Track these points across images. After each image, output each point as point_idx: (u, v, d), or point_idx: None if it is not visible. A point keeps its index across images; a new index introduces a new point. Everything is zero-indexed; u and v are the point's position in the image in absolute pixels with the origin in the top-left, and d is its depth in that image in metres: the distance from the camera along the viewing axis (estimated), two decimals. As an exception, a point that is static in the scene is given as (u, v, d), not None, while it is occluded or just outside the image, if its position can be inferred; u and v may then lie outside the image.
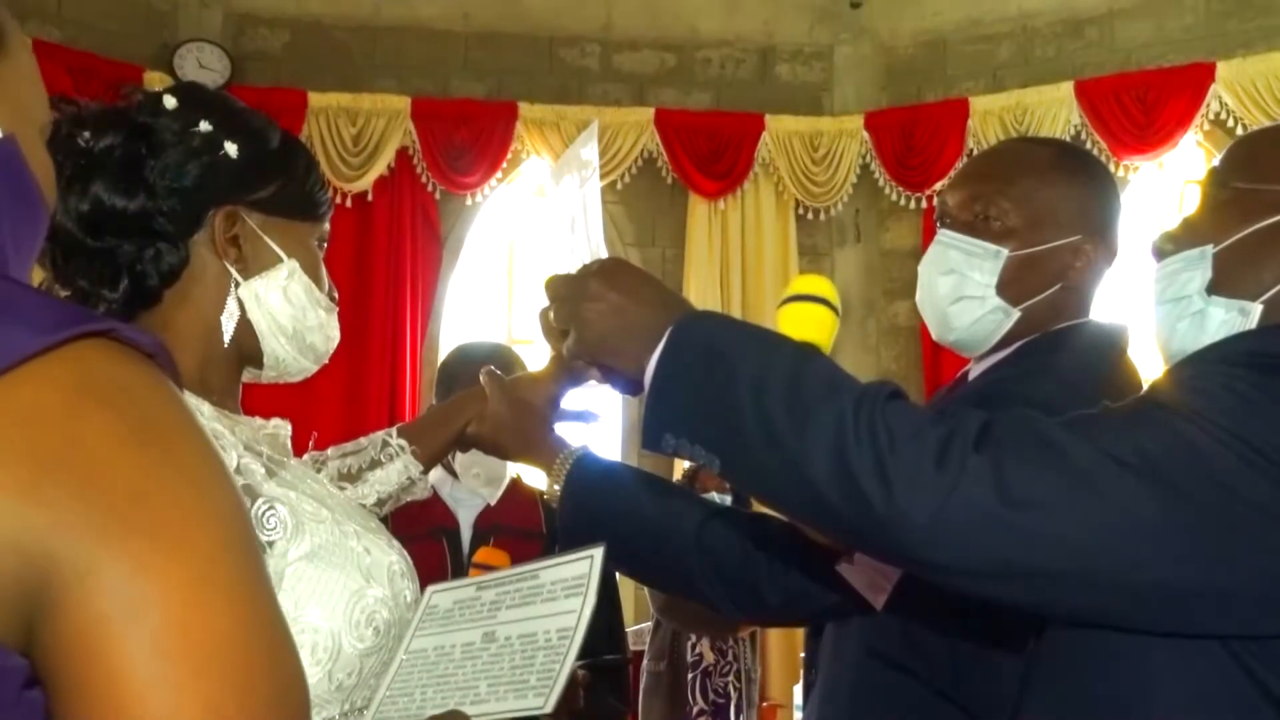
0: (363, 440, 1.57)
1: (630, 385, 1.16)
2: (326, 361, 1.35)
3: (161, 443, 0.60)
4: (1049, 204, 1.48)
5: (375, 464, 1.54)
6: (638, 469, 1.67)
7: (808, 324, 1.36)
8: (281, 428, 1.33)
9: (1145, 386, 1.44)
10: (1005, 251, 1.46)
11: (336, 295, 1.35)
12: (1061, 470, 0.93)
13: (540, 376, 1.61)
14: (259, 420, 1.31)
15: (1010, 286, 1.46)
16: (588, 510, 1.53)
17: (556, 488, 1.53)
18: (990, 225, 1.47)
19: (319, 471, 1.52)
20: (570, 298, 1.15)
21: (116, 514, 0.57)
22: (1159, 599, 0.95)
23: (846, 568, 1.39)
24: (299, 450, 1.53)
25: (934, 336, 1.56)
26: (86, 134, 1.20)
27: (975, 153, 5.96)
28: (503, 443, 1.56)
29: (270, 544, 1.10)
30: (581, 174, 1.51)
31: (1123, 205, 1.56)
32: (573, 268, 1.20)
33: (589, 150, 1.62)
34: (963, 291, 1.47)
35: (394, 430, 1.59)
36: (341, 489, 1.51)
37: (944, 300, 1.49)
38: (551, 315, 1.19)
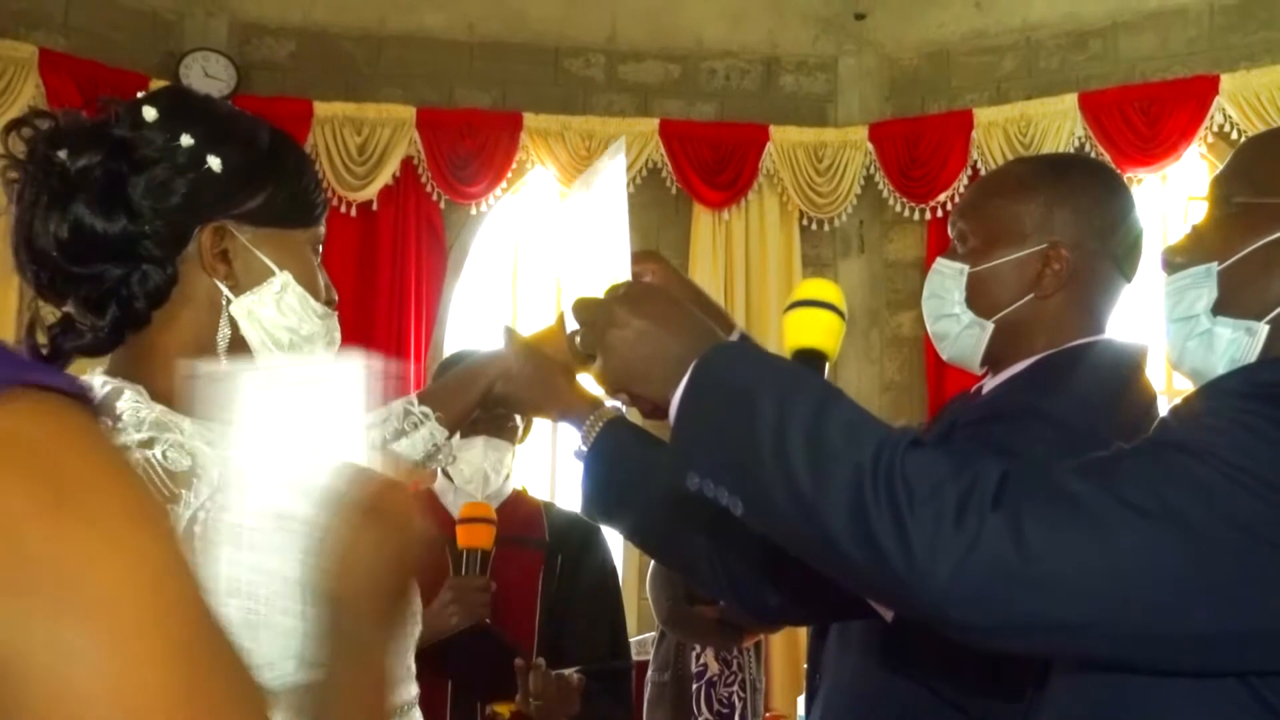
0: (383, 410, 1.55)
1: (658, 411, 1.15)
2: None
3: (84, 508, 0.57)
4: (1009, 218, 1.53)
5: (399, 434, 1.53)
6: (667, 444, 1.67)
7: (815, 330, 1.36)
8: None
9: (1160, 406, 1.46)
10: (966, 268, 1.54)
11: (335, 296, 1.30)
12: (1081, 523, 0.93)
13: (554, 331, 1.62)
14: None
15: (977, 301, 1.53)
16: (610, 476, 1.53)
17: (584, 448, 1.54)
18: (961, 246, 1.57)
19: None
20: (597, 324, 1.15)
21: (42, 595, 0.55)
22: (1181, 643, 0.95)
23: None
24: None
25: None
26: (63, 153, 1.14)
27: (979, 164, 5.98)
28: (530, 398, 1.57)
29: None
30: (606, 193, 1.48)
31: (1127, 209, 1.55)
32: (598, 289, 1.20)
33: (615, 167, 1.55)
34: (942, 310, 1.57)
35: (414, 398, 1.56)
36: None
37: (931, 321, 1.60)
38: (578, 340, 1.19)
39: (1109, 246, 1.52)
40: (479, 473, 2.45)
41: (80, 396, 0.60)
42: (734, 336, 1.73)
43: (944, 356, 1.61)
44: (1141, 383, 1.47)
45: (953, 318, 1.55)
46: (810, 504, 0.97)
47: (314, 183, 1.28)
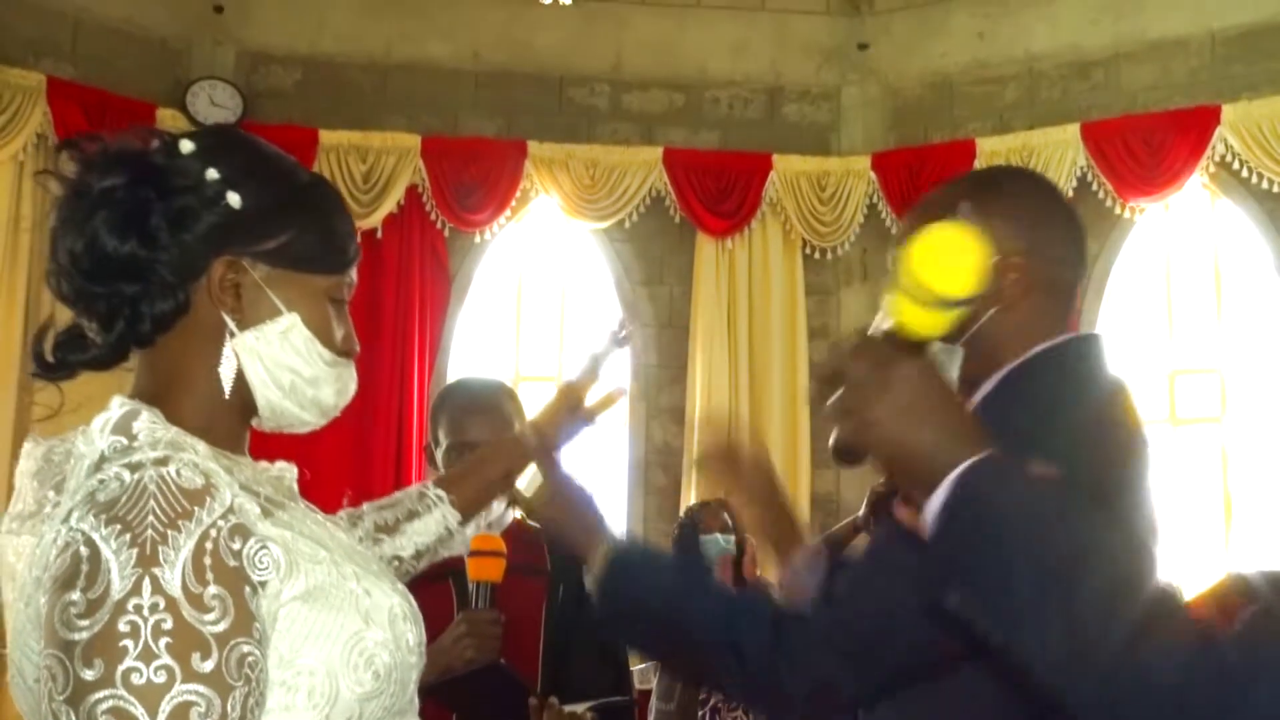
0: (398, 494, 1.57)
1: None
2: (337, 415, 1.32)
3: None
4: None
5: (412, 515, 1.54)
6: (675, 561, 1.68)
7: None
8: (287, 471, 1.31)
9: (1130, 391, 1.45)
10: None
11: (356, 347, 1.31)
12: None
13: (553, 408, 1.67)
14: (263, 463, 1.29)
15: None
16: (622, 608, 1.54)
17: (594, 586, 1.54)
18: None
19: (354, 527, 1.51)
20: (862, 383, 1.04)
21: None
22: None
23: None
24: (332, 507, 1.53)
25: None
26: (94, 174, 1.18)
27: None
28: (563, 528, 1.61)
29: (263, 583, 1.06)
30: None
31: (1061, 209, 1.55)
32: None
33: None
34: None
35: (430, 482, 1.59)
36: (378, 541, 1.51)
37: None
38: (828, 399, 1.06)
39: (1054, 249, 1.51)
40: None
41: None
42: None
43: None
44: (1102, 374, 1.47)
45: None
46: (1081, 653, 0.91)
47: (346, 233, 1.31)
